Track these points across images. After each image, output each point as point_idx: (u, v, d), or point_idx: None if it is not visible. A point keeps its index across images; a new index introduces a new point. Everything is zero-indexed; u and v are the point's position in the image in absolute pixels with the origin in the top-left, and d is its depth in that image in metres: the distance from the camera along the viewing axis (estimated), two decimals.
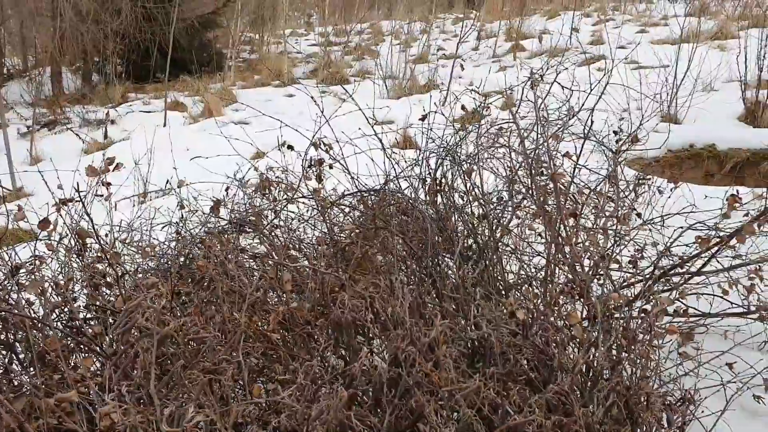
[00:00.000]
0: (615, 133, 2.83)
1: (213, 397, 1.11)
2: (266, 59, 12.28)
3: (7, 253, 2.34)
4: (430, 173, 2.72)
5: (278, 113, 8.50)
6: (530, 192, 2.84)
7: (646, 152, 5.06)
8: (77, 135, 7.94)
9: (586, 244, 2.60)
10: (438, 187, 2.72)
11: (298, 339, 1.97)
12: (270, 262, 2.46)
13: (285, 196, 2.92)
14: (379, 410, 1.45)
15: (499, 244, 2.71)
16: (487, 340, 1.69)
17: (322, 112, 2.90)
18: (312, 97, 3.29)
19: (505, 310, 1.72)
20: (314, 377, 1.37)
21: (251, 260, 2.82)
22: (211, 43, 12.32)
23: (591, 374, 1.83)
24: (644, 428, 1.70)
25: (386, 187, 2.64)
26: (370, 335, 1.72)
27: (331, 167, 2.75)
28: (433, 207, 2.70)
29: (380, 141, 2.67)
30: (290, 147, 2.84)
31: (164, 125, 8.04)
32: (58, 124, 8.89)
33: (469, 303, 1.95)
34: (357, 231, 2.53)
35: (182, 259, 2.63)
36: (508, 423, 1.32)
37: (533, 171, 2.78)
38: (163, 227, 2.76)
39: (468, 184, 2.82)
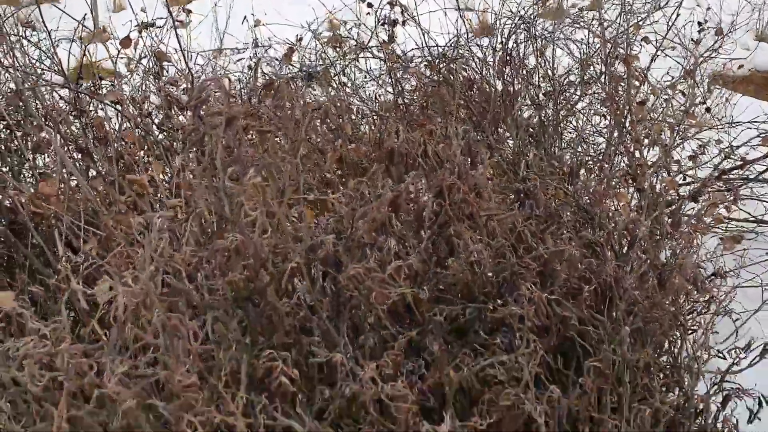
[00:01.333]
0: (699, 24, 2.73)
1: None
2: None
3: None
4: (502, 42, 2.69)
5: None
6: (602, 77, 2.80)
7: (730, 66, 4.83)
8: None
9: (650, 132, 2.59)
10: (508, 58, 2.71)
11: (351, 174, 2.07)
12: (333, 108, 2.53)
13: (355, 51, 2.96)
14: (419, 233, 1.54)
15: (562, 123, 2.72)
16: (533, 192, 1.75)
17: None
18: None
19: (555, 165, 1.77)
20: (361, 193, 1.46)
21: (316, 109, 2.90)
22: None
23: (629, 242, 1.89)
24: (673, 296, 1.75)
25: (455, 51, 2.64)
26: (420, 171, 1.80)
27: (404, 24, 2.75)
28: (500, 77, 2.70)
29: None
30: (369, 5, 2.84)
31: None
32: None
33: (520, 162, 1.99)
34: (421, 89, 2.57)
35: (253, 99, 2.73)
36: (537, 253, 1.40)
37: (609, 56, 2.73)
38: (237, 60, 2.84)
39: (540, 60, 2.79)
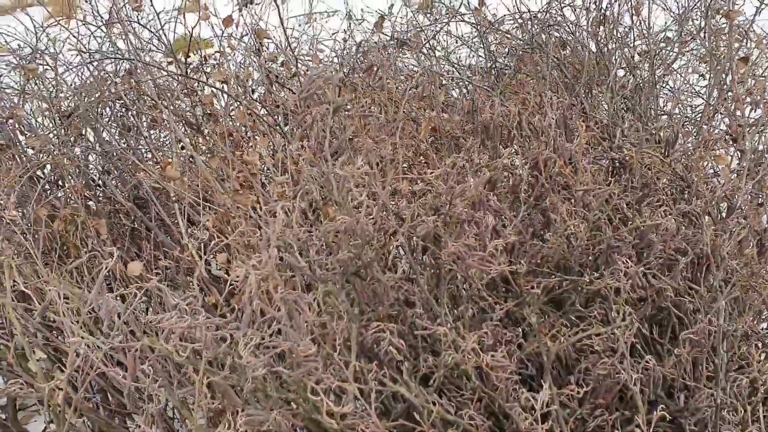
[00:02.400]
0: None
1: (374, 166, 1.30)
2: None
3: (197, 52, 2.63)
4: (596, 2, 2.64)
5: None
6: (701, 32, 2.70)
7: None
8: None
9: (753, 90, 2.49)
10: (602, 18, 2.65)
11: (445, 146, 2.12)
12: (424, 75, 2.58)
13: (446, 17, 2.98)
14: (515, 205, 1.59)
15: (659, 83, 2.65)
16: (628, 162, 1.76)
17: None
18: None
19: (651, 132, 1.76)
20: (459, 170, 1.52)
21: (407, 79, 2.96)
22: None
23: (728, 208, 1.87)
24: None
25: (548, 12, 2.62)
26: (515, 145, 1.84)
27: None
28: (594, 39, 2.65)
29: None
30: None
31: None
32: None
33: (616, 129, 1.99)
34: (513, 54, 2.57)
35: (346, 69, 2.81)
36: (633, 225, 1.42)
37: (709, 10, 2.63)
38: (331, 35, 2.92)
39: (635, 19, 2.72)
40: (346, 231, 1.23)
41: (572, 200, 1.55)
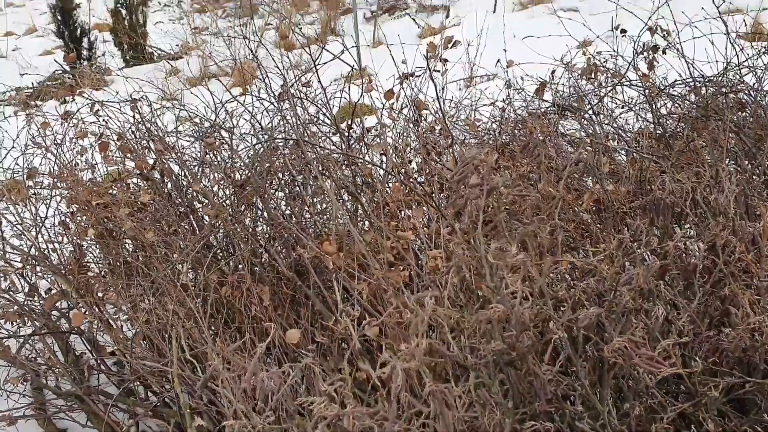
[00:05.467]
0: None
1: (531, 249, 1.24)
2: None
3: (358, 123, 2.72)
4: None
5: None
6: None
7: None
8: (414, 20, 8.46)
9: None
10: None
11: (611, 221, 2.00)
12: (588, 143, 2.48)
13: (611, 82, 2.87)
14: (688, 293, 1.45)
15: None
16: None
17: None
18: None
19: None
20: (625, 250, 1.42)
21: (569, 145, 2.87)
22: None
23: None
24: None
25: (725, 76, 2.43)
26: (688, 224, 1.69)
27: (664, 52, 2.61)
28: None
29: (725, 24, 2.43)
30: (623, 31, 2.74)
31: (494, 11, 8.15)
32: (397, 9, 9.55)
33: None
34: (685, 119, 2.41)
35: (504, 136, 2.79)
36: None
37: None
38: (490, 104, 2.92)
39: None
40: (500, 320, 1.18)
41: (755, 289, 1.39)
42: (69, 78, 6.66)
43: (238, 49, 7.18)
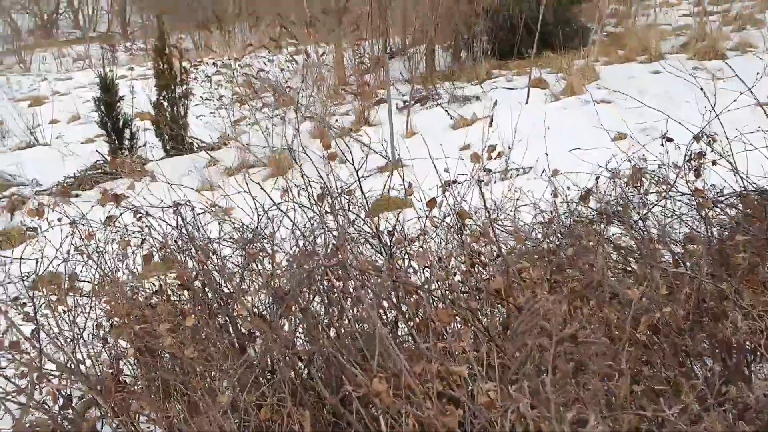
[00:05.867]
0: None
1: (601, 404, 1.15)
2: (632, 32, 11.70)
3: (399, 223, 2.69)
4: None
5: (642, 92, 8.10)
6: None
7: None
8: (446, 111, 8.58)
9: None
10: None
11: (671, 347, 1.90)
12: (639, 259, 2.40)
13: (657, 190, 2.81)
14: None
15: None
16: None
17: (705, 95, 2.67)
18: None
19: None
20: (699, 396, 1.32)
21: (615, 251, 2.79)
22: (575, 17, 12.17)
23: None
24: None
25: None
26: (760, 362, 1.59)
27: (714, 163, 2.55)
28: None
29: None
30: (669, 139, 2.70)
31: (526, 102, 8.25)
32: (429, 99, 9.71)
33: None
34: (744, 237, 2.32)
35: (550, 244, 2.72)
36: None
37: None
38: (535, 217, 2.86)
39: None
40: None
41: None
42: (110, 175, 6.84)
43: (273, 139, 7.33)
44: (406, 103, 9.60)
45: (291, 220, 2.70)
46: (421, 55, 12.01)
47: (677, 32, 11.80)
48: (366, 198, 2.57)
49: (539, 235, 2.96)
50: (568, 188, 2.91)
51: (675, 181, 2.59)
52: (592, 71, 9.22)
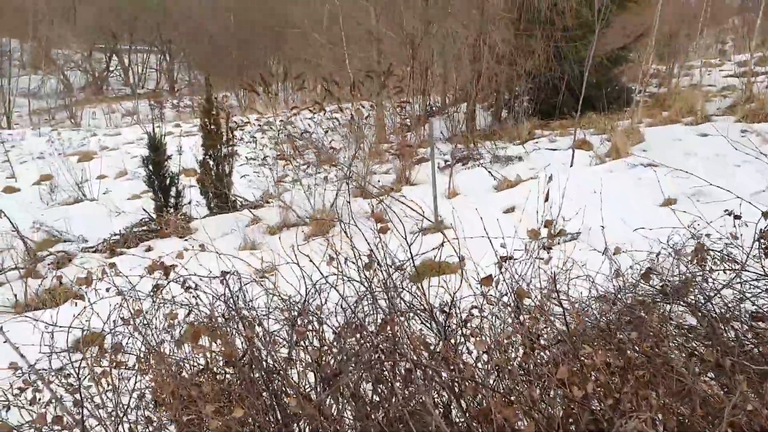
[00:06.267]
0: None
1: None
2: (675, 93, 11.60)
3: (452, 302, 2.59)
4: None
5: (688, 154, 7.95)
6: None
7: None
8: (489, 172, 8.52)
9: None
10: None
11: None
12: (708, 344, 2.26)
13: (724, 268, 2.68)
14: None
15: None
16: None
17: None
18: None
19: None
20: None
21: (681, 335, 2.65)
22: (617, 78, 12.14)
23: None
24: None
25: None
26: None
27: None
28: None
29: None
30: (737, 217, 2.59)
31: (571, 165, 8.15)
32: (471, 159, 9.68)
33: None
34: None
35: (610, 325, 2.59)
36: None
37: None
38: (590, 290, 2.75)
39: None
40: None
41: None
42: (155, 232, 6.90)
43: (315, 198, 7.34)
44: (448, 163, 9.58)
45: (340, 295, 2.62)
46: (461, 115, 12.05)
47: (722, 93, 11.65)
48: (418, 272, 2.49)
49: (596, 311, 2.84)
50: (630, 267, 2.79)
51: (745, 262, 2.46)
52: (637, 133, 9.11)
